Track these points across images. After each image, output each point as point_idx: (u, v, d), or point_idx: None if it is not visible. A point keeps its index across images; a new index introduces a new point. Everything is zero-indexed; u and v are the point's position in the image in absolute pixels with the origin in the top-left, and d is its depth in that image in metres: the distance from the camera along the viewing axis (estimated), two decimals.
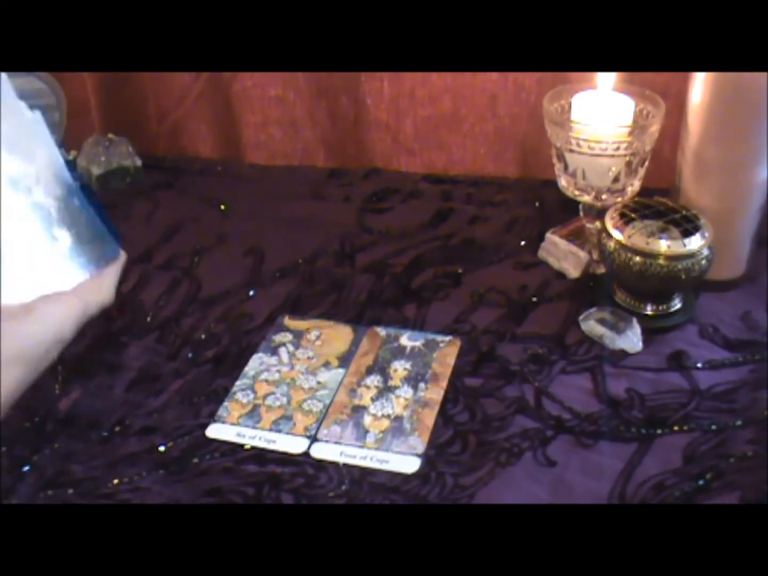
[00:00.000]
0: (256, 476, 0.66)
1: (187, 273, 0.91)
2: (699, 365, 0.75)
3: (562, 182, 0.85)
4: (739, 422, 0.69)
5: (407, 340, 0.79)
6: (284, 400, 0.73)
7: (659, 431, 0.68)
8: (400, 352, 0.78)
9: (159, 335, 0.82)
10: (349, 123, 1.07)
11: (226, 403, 0.73)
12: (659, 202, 0.80)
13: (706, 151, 0.79)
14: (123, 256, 0.56)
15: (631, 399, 0.71)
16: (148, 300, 0.87)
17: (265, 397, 0.73)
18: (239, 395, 0.74)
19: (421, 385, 0.74)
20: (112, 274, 0.54)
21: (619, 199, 0.82)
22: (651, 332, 0.78)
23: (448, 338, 0.79)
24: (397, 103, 1.03)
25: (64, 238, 0.51)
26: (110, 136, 1.06)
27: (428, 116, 1.03)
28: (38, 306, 0.49)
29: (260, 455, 0.68)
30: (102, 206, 0.54)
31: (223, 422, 0.71)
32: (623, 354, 0.76)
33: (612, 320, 0.78)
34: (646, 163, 0.82)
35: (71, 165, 0.53)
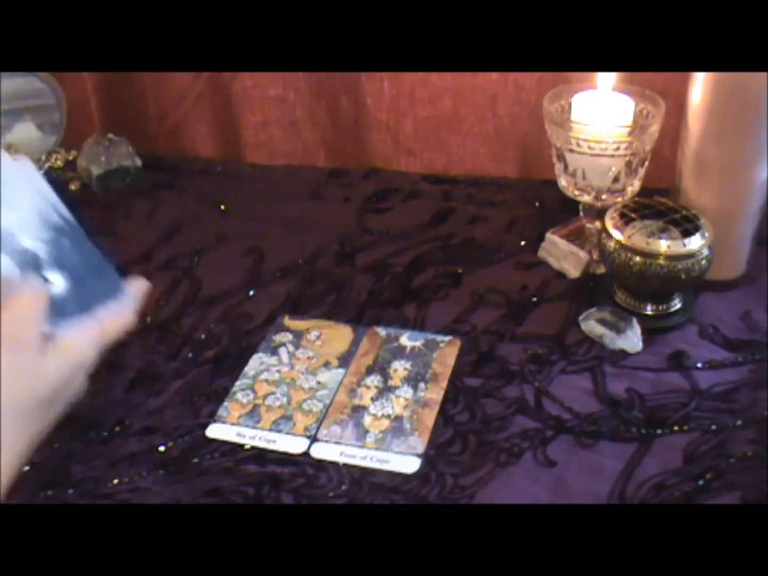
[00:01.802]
0: (256, 476, 0.66)
1: (187, 273, 0.91)
2: (699, 365, 0.75)
3: (562, 182, 0.85)
4: (739, 422, 0.69)
5: (407, 340, 0.79)
6: (284, 400, 0.73)
7: (659, 431, 0.68)
8: (400, 352, 0.78)
9: (159, 335, 0.82)
10: (349, 123, 1.07)
11: (226, 403, 0.73)
12: (659, 202, 0.80)
13: (706, 151, 0.79)
14: (142, 286, 0.56)
15: (631, 399, 0.71)
16: (148, 300, 0.86)
17: (265, 397, 0.73)
18: (239, 395, 0.74)
19: (421, 385, 0.74)
20: (129, 300, 0.54)
21: (619, 199, 0.82)
22: (651, 332, 0.78)
23: (448, 338, 0.79)
24: (397, 103, 1.03)
25: (58, 279, 0.51)
26: (110, 136, 1.06)
27: (428, 116, 1.03)
28: (58, 334, 0.49)
29: (260, 455, 0.68)
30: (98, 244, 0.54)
31: (223, 422, 0.71)
32: (623, 354, 0.76)
33: (612, 320, 0.78)
34: (646, 163, 0.82)
35: (66, 202, 0.53)
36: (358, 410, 0.72)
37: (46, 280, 0.50)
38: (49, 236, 0.51)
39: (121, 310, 0.53)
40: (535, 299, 0.84)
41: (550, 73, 0.95)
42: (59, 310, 0.50)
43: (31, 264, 0.50)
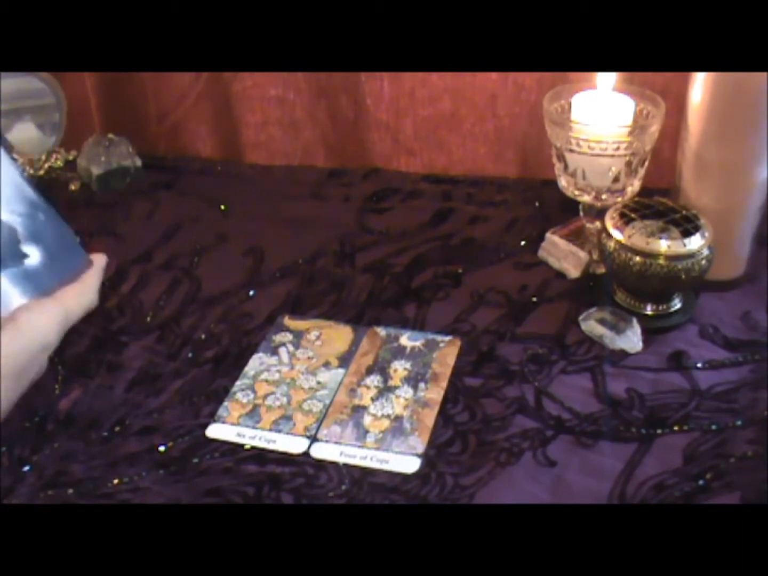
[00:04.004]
0: (256, 476, 0.66)
1: (187, 273, 0.91)
2: (699, 365, 0.75)
3: (562, 182, 0.85)
4: (739, 422, 0.69)
5: (407, 340, 0.79)
6: (284, 400, 0.73)
7: (659, 431, 0.68)
8: (400, 352, 0.78)
9: (159, 335, 0.82)
10: (349, 123, 1.07)
11: (226, 403, 0.73)
12: (659, 202, 0.80)
13: (706, 151, 0.79)
14: (101, 261, 0.56)
15: (631, 399, 0.71)
16: (148, 300, 0.87)
17: (265, 397, 0.73)
18: (239, 395, 0.74)
19: (421, 385, 0.74)
20: (92, 278, 0.55)
21: (619, 199, 0.82)
22: (651, 332, 0.78)
23: (448, 338, 0.79)
24: (397, 103, 1.03)
25: (34, 253, 0.52)
26: (110, 136, 1.06)
27: (428, 116, 1.03)
28: (20, 316, 0.49)
29: (260, 455, 0.68)
30: (64, 218, 0.55)
31: (223, 422, 0.71)
32: (623, 354, 0.76)
33: (612, 320, 0.78)
34: (646, 163, 0.82)
35: (33, 181, 0.54)
36: (358, 410, 0.72)
37: (23, 253, 0.51)
38: (26, 210, 0.52)
39: (83, 290, 0.54)
40: (535, 299, 0.84)
41: (550, 73, 0.95)
42: (34, 282, 0.51)
43: (9, 237, 0.51)
